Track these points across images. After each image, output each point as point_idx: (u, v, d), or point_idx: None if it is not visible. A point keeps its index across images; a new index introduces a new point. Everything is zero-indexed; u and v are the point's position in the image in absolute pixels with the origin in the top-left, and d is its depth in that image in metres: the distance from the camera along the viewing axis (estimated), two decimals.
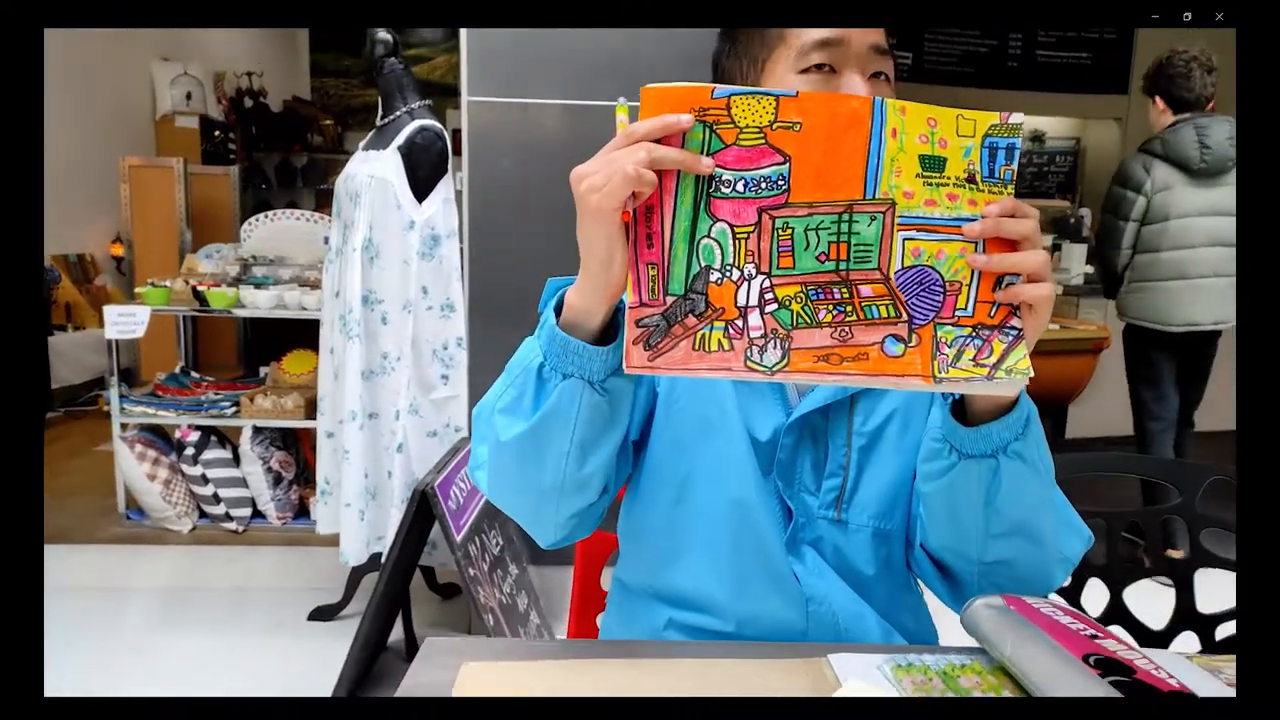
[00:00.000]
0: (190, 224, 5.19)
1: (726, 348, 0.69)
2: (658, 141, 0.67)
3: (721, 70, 0.95)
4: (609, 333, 0.76)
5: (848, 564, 0.93)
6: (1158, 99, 2.88)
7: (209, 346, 5.37)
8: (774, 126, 0.68)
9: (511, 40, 2.39)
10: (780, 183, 0.69)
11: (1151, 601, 1.29)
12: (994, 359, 0.71)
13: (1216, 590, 1.26)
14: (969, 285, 0.71)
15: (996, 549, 0.84)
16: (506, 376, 0.81)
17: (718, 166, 0.68)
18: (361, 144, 2.42)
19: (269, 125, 6.94)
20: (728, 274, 0.69)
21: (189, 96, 5.95)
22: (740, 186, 0.69)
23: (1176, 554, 1.25)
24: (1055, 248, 5.09)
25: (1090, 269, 4.78)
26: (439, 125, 2.29)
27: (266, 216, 3.60)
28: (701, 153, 0.68)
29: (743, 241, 0.69)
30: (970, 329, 0.71)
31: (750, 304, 0.69)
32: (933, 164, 0.70)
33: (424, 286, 2.32)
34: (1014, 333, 0.71)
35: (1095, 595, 1.24)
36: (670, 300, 0.69)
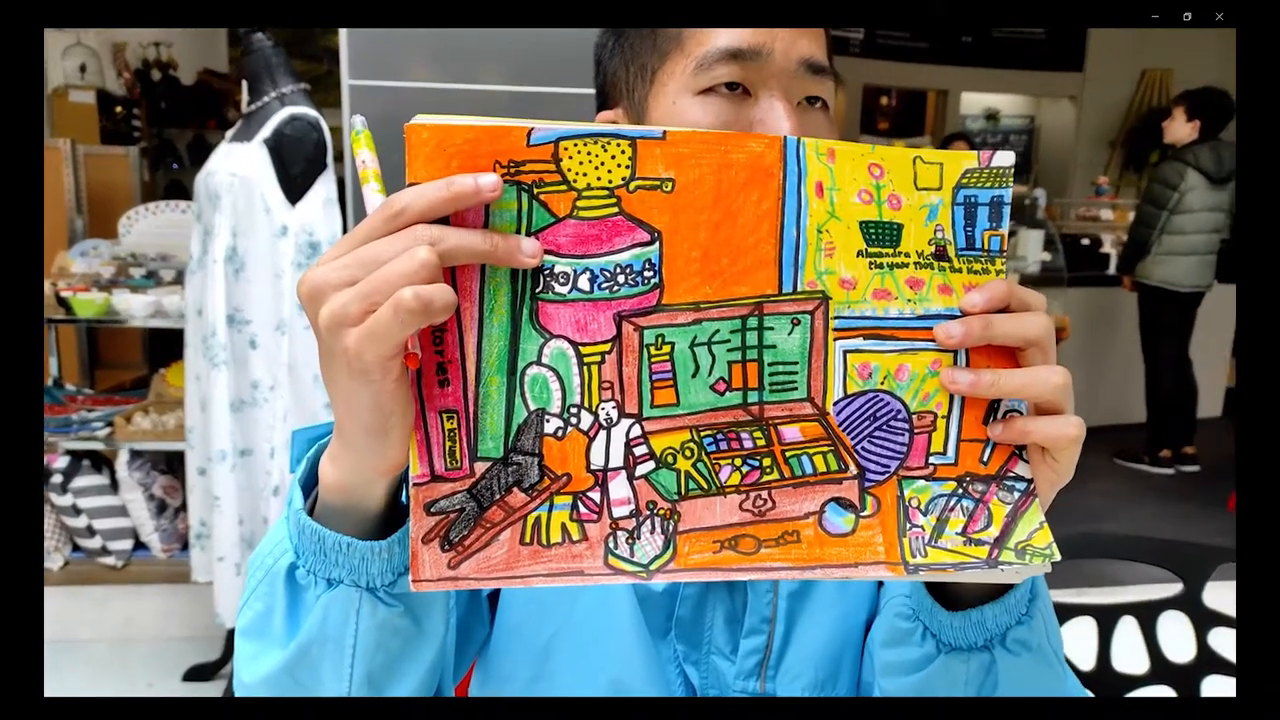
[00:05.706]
0: (82, 210, 4.74)
1: (576, 537, 0.45)
2: (445, 220, 0.41)
3: (605, 74, 0.68)
4: (397, 509, 0.49)
5: None
6: (1197, 120, 3.89)
7: (110, 343, 4.93)
8: (632, 186, 0.43)
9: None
10: (648, 274, 0.44)
11: None
12: (995, 531, 0.46)
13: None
14: (947, 417, 0.47)
15: None
16: (251, 574, 0.52)
17: (547, 253, 0.43)
18: (228, 134, 2.08)
19: (180, 100, 6.44)
20: (573, 421, 0.44)
21: (83, 69, 5.47)
22: (584, 283, 0.44)
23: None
24: (1011, 233, 4.90)
25: (1048, 256, 4.60)
26: (314, 114, 1.95)
27: (147, 209, 3.22)
28: (519, 233, 0.42)
29: (594, 368, 0.44)
30: (954, 484, 0.47)
31: (612, 465, 0.45)
32: (882, 234, 0.46)
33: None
34: (1021, 487, 0.47)
35: None
36: (482, 468, 0.44)
